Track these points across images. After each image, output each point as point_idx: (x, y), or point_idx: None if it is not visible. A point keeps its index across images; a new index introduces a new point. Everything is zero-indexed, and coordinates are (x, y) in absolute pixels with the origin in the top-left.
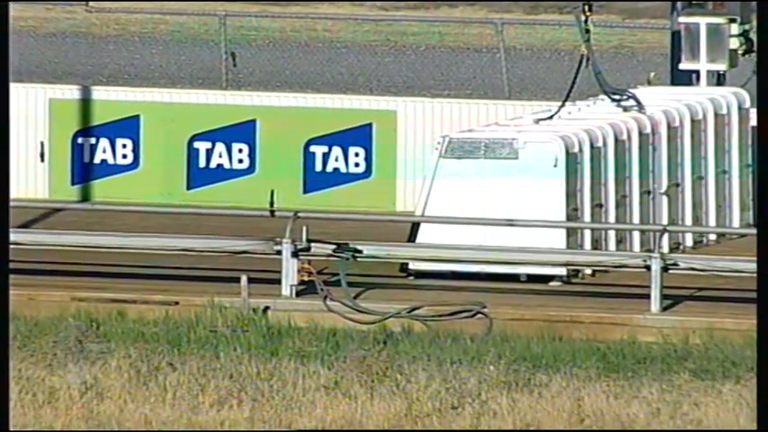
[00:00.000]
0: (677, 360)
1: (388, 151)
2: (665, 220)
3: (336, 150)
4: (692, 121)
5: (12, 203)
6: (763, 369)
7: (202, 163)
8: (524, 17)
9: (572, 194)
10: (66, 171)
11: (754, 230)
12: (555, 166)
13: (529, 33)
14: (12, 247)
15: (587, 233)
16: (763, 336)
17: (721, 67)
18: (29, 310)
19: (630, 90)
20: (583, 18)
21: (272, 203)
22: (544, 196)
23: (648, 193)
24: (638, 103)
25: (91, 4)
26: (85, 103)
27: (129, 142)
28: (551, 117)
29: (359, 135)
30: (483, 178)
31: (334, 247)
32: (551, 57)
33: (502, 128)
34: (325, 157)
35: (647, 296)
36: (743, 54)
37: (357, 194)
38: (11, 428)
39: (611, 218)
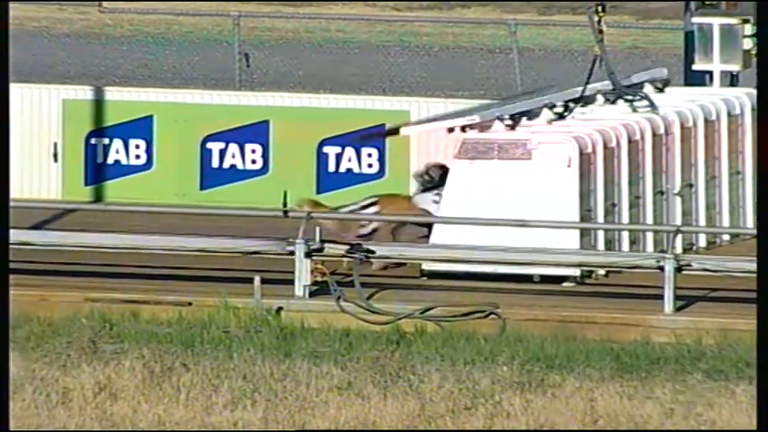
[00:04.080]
0: (691, 361)
1: (402, 152)
2: (678, 221)
3: (350, 151)
4: (706, 121)
5: (24, 204)
6: (763, 369)
7: (216, 163)
8: (538, 18)
9: (585, 195)
10: (80, 171)
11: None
12: (568, 166)
13: (542, 34)
14: (24, 247)
15: (601, 234)
16: (762, 336)
17: (735, 67)
18: (42, 311)
19: (644, 90)
20: (596, 19)
21: (285, 204)
22: (557, 197)
23: (662, 193)
24: (652, 103)
25: (104, 4)
26: (99, 104)
27: (142, 143)
28: (564, 117)
29: None
30: (496, 179)
31: (347, 247)
32: (564, 57)
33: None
34: (339, 157)
35: (661, 297)
36: (756, 55)
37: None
38: (17, 429)
39: (625, 218)
